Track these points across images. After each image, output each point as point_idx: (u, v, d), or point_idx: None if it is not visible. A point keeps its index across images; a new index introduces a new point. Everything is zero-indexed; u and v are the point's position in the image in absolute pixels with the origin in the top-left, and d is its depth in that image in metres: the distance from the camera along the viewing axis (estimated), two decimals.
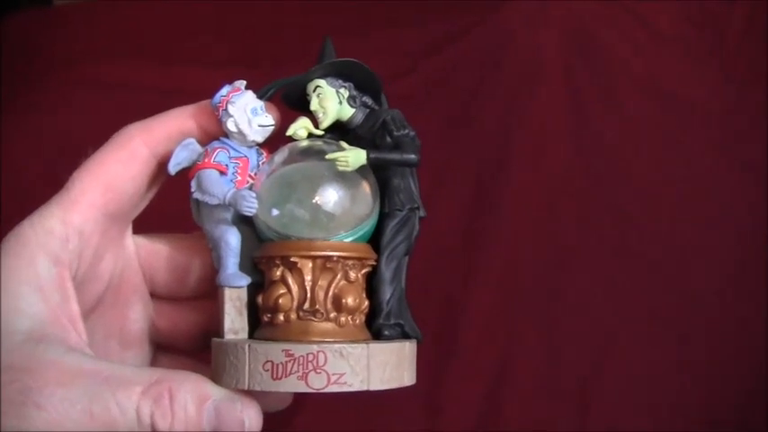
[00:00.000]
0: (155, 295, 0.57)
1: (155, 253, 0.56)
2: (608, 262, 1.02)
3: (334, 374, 0.46)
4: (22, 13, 1.40)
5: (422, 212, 0.53)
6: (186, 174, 0.52)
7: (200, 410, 0.45)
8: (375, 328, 0.51)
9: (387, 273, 0.51)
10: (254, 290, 0.51)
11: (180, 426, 0.44)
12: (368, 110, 0.54)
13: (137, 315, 0.56)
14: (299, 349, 0.46)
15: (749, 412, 0.95)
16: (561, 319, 1.01)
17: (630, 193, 1.05)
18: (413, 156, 0.50)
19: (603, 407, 0.97)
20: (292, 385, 0.46)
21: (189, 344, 0.57)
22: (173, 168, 0.51)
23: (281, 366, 0.46)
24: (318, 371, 0.46)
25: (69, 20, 1.37)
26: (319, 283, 0.49)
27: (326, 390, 0.46)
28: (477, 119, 1.10)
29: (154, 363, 0.58)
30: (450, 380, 0.95)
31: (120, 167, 0.52)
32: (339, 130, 0.54)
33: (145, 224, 0.56)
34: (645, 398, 0.97)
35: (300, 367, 0.46)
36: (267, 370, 0.46)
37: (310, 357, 0.46)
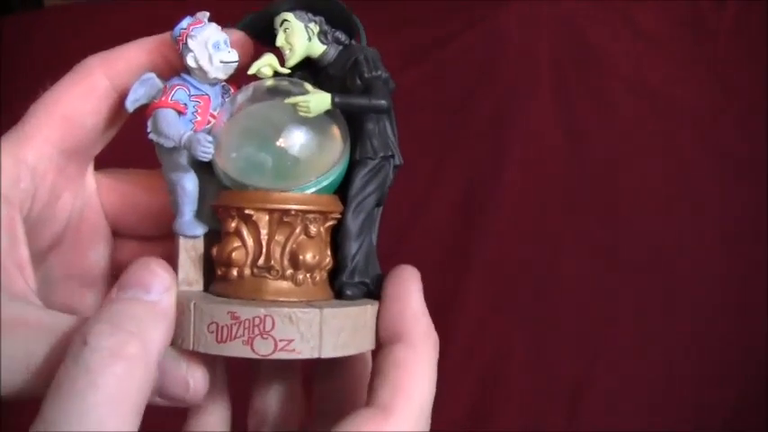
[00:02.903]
0: (118, 234, 0.55)
1: (117, 191, 0.54)
2: (599, 262, 1.04)
3: (281, 341, 0.43)
4: (13, 16, 1.39)
5: (397, 160, 0.49)
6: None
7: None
8: (337, 286, 0.48)
9: (353, 226, 0.47)
10: (212, 239, 0.48)
11: None
12: (341, 47, 0.49)
13: (98, 255, 0.53)
14: (245, 312, 0.43)
15: (742, 414, 0.96)
16: (552, 319, 1.02)
17: (620, 193, 1.06)
18: (382, 101, 0.46)
19: (594, 407, 0.99)
20: (237, 350, 0.43)
21: None
22: (130, 105, 0.48)
23: (225, 329, 0.43)
24: (265, 336, 0.43)
25: (60, 21, 1.35)
26: (276, 237, 0.46)
27: (273, 356, 0.43)
28: (469, 120, 1.08)
29: None
30: (441, 381, 0.95)
31: (78, 101, 0.49)
32: (310, 68, 0.49)
33: (109, 161, 0.54)
34: (636, 398, 0.99)
35: (246, 331, 0.43)
36: (212, 332, 0.43)
37: (257, 321, 0.43)
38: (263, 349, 0.43)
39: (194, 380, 0.45)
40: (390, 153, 0.48)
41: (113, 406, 0.38)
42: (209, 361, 0.46)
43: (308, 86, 0.47)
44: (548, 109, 1.09)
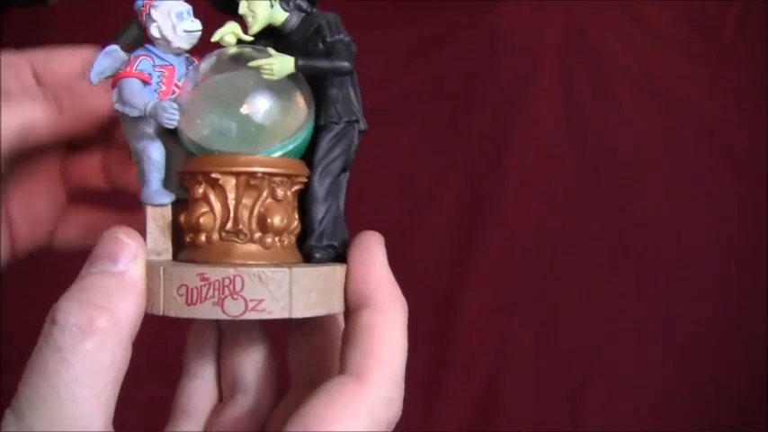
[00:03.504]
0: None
1: None
2: (604, 260, 1.04)
3: (252, 300, 0.43)
4: (17, 11, 1.38)
5: (362, 125, 0.49)
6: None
7: None
8: (305, 250, 0.48)
9: (320, 190, 0.48)
10: (180, 209, 0.48)
11: None
12: (303, 14, 0.49)
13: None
14: (214, 273, 0.43)
15: (748, 413, 0.97)
16: (557, 318, 1.02)
17: (626, 191, 1.06)
18: (345, 63, 0.46)
19: (598, 405, 0.99)
20: (208, 312, 0.43)
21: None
22: (95, 77, 0.48)
23: (195, 291, 0.43)
24: (235, 296, 0.43)
25: (65, 18, 1.35)
26: (243, 201, 0.46)
27: (244, 317, 0.43)
28: (473, 116, 1.08)
29: None
30: (446, 380, 0.96)
31: None
32: (273, 36, 0.50)
33: None
34: (641, 397, 0.99)
35: (216, 292, 0.43)
36: (182, 295, 0.43)
37: (227, 282, 0.43)
38: (233, 310, 0.43)
39: None
40: (355, 118, 0.49)
41: (87, 381, 0.38)
42: (201, 325, 0.46)
43: (272, 51, 0.47)
44: (552, 105, 1.09)
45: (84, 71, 0.50)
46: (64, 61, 0.55)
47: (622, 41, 1.11)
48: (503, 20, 1.11)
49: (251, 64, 0.46)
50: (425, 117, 1.05)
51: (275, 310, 0.43)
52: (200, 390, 0.53)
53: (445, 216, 1.05)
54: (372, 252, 0.46)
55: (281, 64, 0.45)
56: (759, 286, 1.01)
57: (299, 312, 0.44)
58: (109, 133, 0.57)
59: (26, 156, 0.54)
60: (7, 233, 0.55)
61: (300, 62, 0.46)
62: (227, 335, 0.53)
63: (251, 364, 0.52)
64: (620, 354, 1.01)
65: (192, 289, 0.43)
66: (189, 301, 0.43)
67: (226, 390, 0.53)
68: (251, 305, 0.43)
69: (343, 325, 0.48)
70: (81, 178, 0.59)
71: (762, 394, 0.98)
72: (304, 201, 0.48)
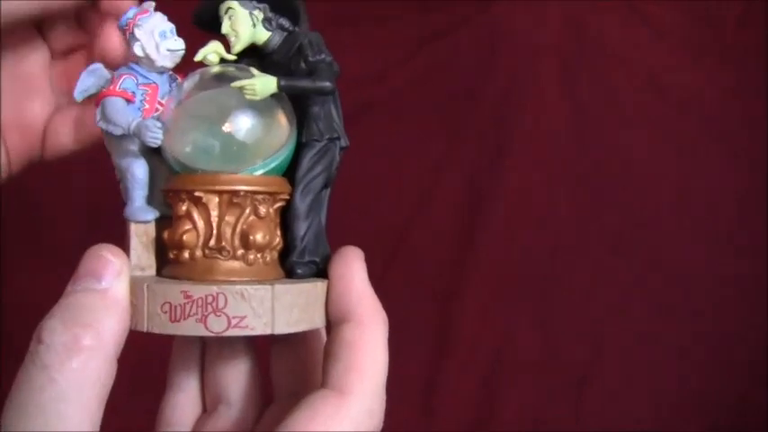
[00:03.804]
0: None
1: None
2: (605, 255, 1.04)
3: (234, 317, 0.44)
4: None
5: (343, 142, 0.50)
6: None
7: None
8: (288, 266, 0.49)
9: (302, 207, 0.49)
10: (164, 225, 0.49)
11: None
12: (285, 33, 0.50)
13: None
14: (197, 290, 0.44)
15: (749, 409, 0.99)
16: (558, 313, 1.03)
17: (628, 185, 1.06)
18: (327, 83, 0.47)
19: (600, 397, 1.00)
20: (191, 328, 0.44)
21: None
22: (78, 95, 0.49)
23: (179, 308, 0.44)
24: (218, 313, 0.44)
25: None
26: (226, 218, 0.47)
27: (227, 333, 0.44)
28: (474, 113, 1.08)
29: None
30: (447, 374, 0.97)
31: None
32: (257, 55, 0.50)
33: None
34: (643, 392, 1.00)
35: (200, 309, 0.44)
36: (165, 312, 0.44)
37: (209, 299, 0.44)
38: (216, 327, 0.44)
39: None
40: (336, 135, 0.49)
41: (73, 399, 0.39)
42: (185, 339, 0.47)
43: (254, 71, 0.48)
44: (554, 99, 1.08)
45: None
46: None
47: (623, 37, 1.11)
48: (503, 15, 1.10)
49: (234, 84, 0.46)
50: (424, 113, 1.05)
51: (258, 326, 0.44)
52: (183, 402, 0.54)
53: (445, 213, 1.05)
54: (352, 267, 0.47)
55: (263, 84, 0.46)
56: (760, 282, 1.02)
57: (282, 328, 0.45)
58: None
59: (12, 53, 0.54)
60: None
61: (283, 82, 0.46)
62: (210, 347, 0.54)
63: (234, 375, 0.53)
64: (620, 350, 1.02)
65: (175, 306, 0.44)
66: (172, 318, 0.44)
67: (209, 401, 0.54)
68: (234, 322, 0.44)
69: (325, 338, 0.49)
70: (68, 81, 0.57)
71: (762, 393, 0.99)
72: (286, 217, 0.49)
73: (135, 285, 0.45)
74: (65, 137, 0.56)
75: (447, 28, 1.09)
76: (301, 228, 0.49)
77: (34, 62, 0.56)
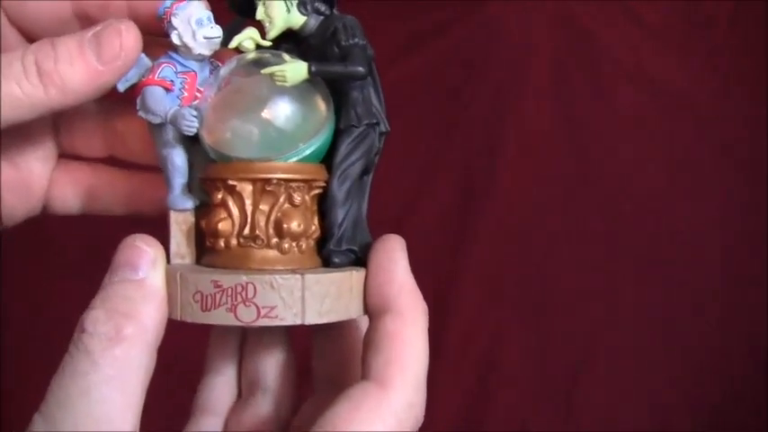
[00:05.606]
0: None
1: None
2: (597, 253, 1.03)
3: (264, 307, 0.44)
4: None
5: (383, 127, 0.49)
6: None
7: (81, 41, 0.45)
8: (324, 254, 0.48)
9: (339, 194, 0.48)
10: (203, 212, 0.49)
11: (64, 59, 0.44)
12: (321, 17, 0.49)
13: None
14: (227, 280, 0.44)
15: (740, 409, 0.97)
16: (549, 315, 1.02)
17: (619, 183, 1.04)
18: (359, 68, 0.46)
19: (591, 397, 0.99)
20: (222, 318, 0.44)
21: None
22: (121, 85, 0.49)
23: (210, 297, 0.44)
24: (248, 303, 0.44)
25: None
26: (260, 207, 0.46)
27: (257, 323, 0.44)
28: (465, 112, 1.07)
29: None
30: (439, 367, 0.97)
31: None
32: (293, 40, 0.50)
33: None
34: (632, 395, 0.99)
35: (229, 299, 0.44)
36: (197, 301, 0.44)
37: (239, 289, 0.44)
38: (246, 316, 0.43)
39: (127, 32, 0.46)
40: (375, 120, 0.48)
41: (116, 384, 0.40)
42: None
43: (286, 57, 0.47)
44: (546, 98, 1.07)
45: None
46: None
47: (616, 32, 1.08)
48: (494, 15, 1.08)
49: (264, 71, 0.46)
50: (415, 114, 1.04)
51: (288, 316, 0.44)
52: (220, 386, 0.54)
53: (436, 214, 1.04)
54: (394, 256, 0.46)
55: (293, 70, 0.45)
56: (759, 279, 1.00)
57: (313, 319, 0.44)
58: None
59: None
60: None
61: (314, 68, 0.46)
62: (249, 335, 0.54)
63: (272, 364, 0.53)
64: (613, 351, 1.01)
65: (206, 295, 0.44)
66: (204, 307, 0.44)
67: (246, 387, 0.54)
68: (263, 312, 0.43)
69: (363, 328, 0.48)
70: (73, 137, 0.56)
71: (761, 389, 0.97)
72: (324, 204, 0.48)
73: (169, 274, 0.45)
74: (71, 199, 0.56)
75: (438, 28, 1.08)
76: (338, 215, 0.48)
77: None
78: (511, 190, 1.04)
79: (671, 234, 1.03)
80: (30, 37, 0.51)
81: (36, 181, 0.54)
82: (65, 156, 0.56)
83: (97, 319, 0.41)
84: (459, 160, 1.05)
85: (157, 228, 0.50)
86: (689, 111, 1.05)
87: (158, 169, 0.51)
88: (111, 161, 0.57)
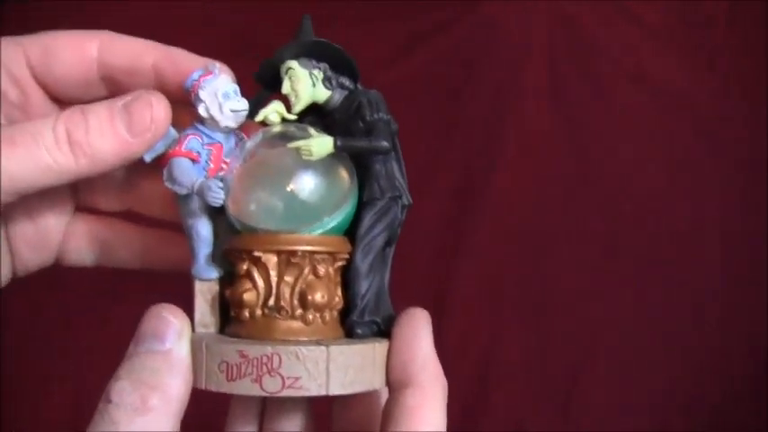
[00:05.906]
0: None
1: None
2: (596, 253, 1.02)
3: (289, 378, 0.44)
4: (18, 4, 1.41)
5: (405, 200, 0.50)
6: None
7: (112, 111, 0.46)
8: (348, 325, 0.49)
9: (362, 266, 0.48)
10: (227, 282, 0.50)
11: (95, 130, 0.45)
12: (346, 91, 0.50)
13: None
14: (253, 350, 0.44)
15: (739, 409, 0.96)
16: (548, 315, 1.01)
17: (618, 183, 1.04)
18: (383, 143, 0.47)
19: (590, 398, 0.98)
20: (247, 388, 0.44)
21: None
22: (148, 156, 0.50)
23: (235, 367, 0.44)
24: (273, 374, 0.44)
25: (63, 12, 1.37)
26: (285, 278, 0.47)
27: (282, 394, 0.44)
28: (463, 112, 1.07)
29: None
30: None
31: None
32: (318, 113, 0.51)
33: None
34: (633, 394, 0.98)
35: (255, 369, 0.44)
36: (222, 371, 0.45)
37: (264, 359, 0.44)
38: (271, 386, 0.44)
39: (158, 107, 0.47)
40: (398, 193, 0.49)
41: None
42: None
43: (312, 131, 0.48)
44: (545, 98, 1.07)
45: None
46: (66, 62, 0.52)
47: (612, 36, 1.09)
48: (492, 15, 1.09)
49: (290, 145, 0.47)
50: (412, 114, 1.02)
51: (312, 387, 0.44)
52: None
53: (433, 214, 1.03)
54: (419, 331, 0.46)
55: (319, 145, 0.46)
56: (758, 278, 0.99)
57: (337, 390, 0.45)
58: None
59: None
60: (7, 251, 0.53)
61: (339, 142, 0.47)
62: (270, 402, 0.54)
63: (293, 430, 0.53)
64: (613, 346, 1.00)
65: (231, 365, 0.44)
66: (229, 377, 0.44)
67: None
68: (288, 382, 0.44)
69: (383, 396, 0.48)
70: (93, 194, 0.57)
71: (762, 392, 0.96)
72: (347, 276, 0.49)
73: (194, 343, 0.45)
74: (83, 252, 0.56)
75: (436, 28, 1.08)
76: (362, 287, 0.48)
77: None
78: (510, 190, 1.04)
79: (671, 234, 1.02)
80: (54, 96, 0.53)
81: (51, 235, 0.55)
82: (81, 209, 0.57)
83: (123, 390, 0.41)
84: (458, 160, 1.05)
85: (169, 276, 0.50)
86: (689, 111, 1.05)
87: (174, 226, 0.51)
88: (128, 215, 0.58)
